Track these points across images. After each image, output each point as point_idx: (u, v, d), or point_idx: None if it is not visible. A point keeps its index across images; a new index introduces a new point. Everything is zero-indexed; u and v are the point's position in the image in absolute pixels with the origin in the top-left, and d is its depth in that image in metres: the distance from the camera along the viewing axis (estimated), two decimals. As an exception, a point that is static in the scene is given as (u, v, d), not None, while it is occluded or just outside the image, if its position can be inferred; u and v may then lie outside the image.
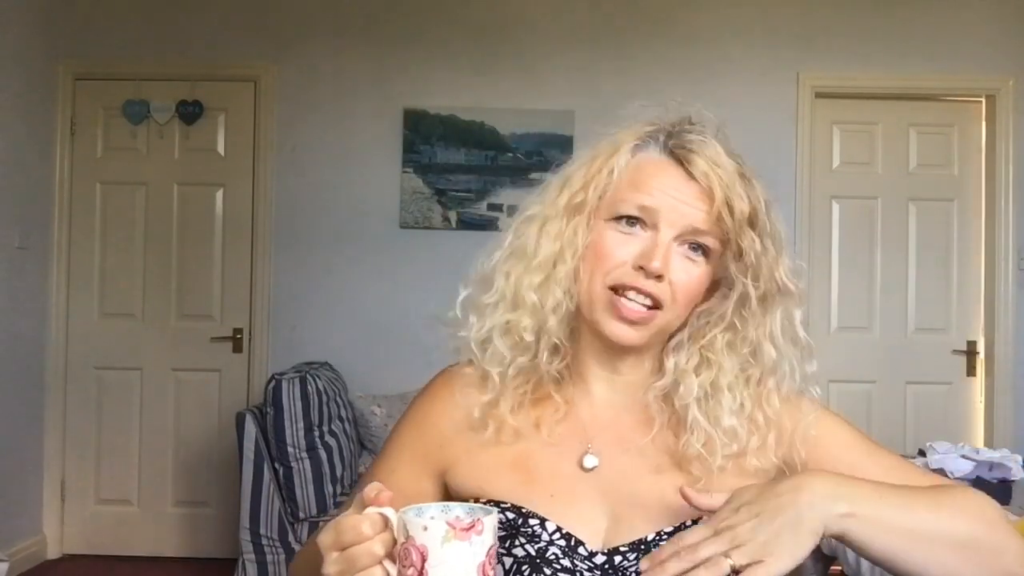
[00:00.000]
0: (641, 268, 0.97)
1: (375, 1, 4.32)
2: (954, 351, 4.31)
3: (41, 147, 4.16)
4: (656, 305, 0.98)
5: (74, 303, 4.28)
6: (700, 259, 0.99)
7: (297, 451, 3.37)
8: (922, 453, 3.28)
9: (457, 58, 4.27)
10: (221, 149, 4.31)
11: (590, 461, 1.02)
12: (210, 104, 4.27)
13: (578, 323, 1.05)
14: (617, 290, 0.99)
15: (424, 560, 0.74)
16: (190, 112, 4.26)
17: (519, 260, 1.03)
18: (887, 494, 0.89)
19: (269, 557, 3.39)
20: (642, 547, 0.96)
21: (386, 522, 0.79)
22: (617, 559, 0.96)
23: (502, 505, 0.99)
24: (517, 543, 0.97)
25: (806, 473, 0.91)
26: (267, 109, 4.25)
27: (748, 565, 0.81)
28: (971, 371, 4.30)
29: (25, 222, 4.01)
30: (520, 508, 0.99)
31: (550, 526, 0.97)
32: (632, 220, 0.99)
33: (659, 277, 0.97)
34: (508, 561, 0.96)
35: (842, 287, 4.35)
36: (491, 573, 0.75)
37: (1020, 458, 3.11)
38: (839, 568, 3.00)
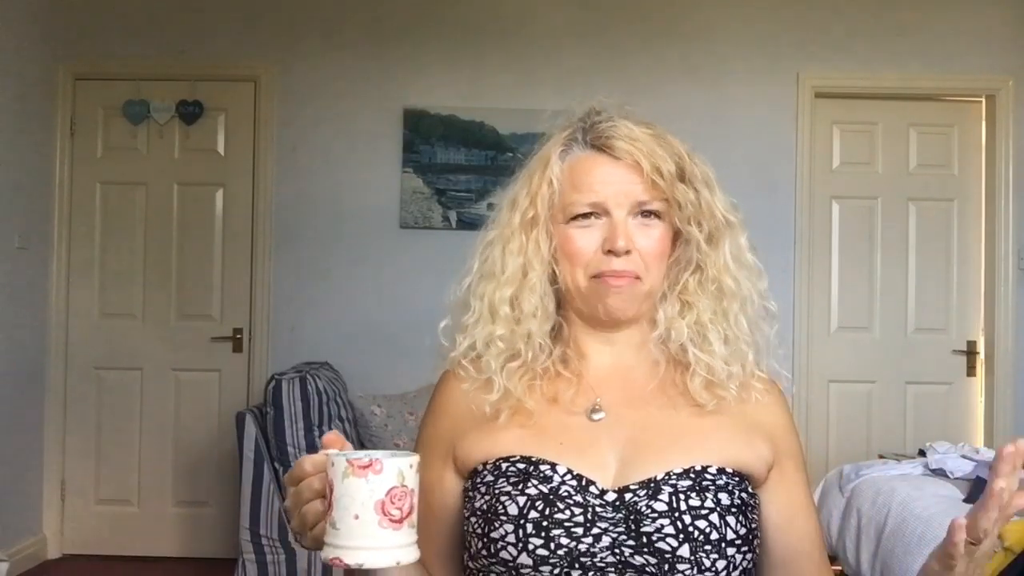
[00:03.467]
0: (609, 251, 1.08)
1: (375, 1, 4.32)
2: (954, 351, 4.31)
3: (41, 147, 4.16)
4: (635, 277, 1.09)
5: (74, 303, 4.28)
6: (655, 222, 1.10)
7: (297, 451, 3.37)
8: (922, 453, 3.28)
9: (457, 58, 4.27)
10: (221, 149, 4.31)
11: (597, 414, 1.09)
12: (210, 104, 4.27)
13: (566, 312, 1.15)
14: (599, 276, 1.09)
15: (331, 492, 0.82)
16: (190, 112, 4.26)
17: (489, 280, 1.13)
18: None
19: (269, 557, 3.39)
20: (651, 485, 1.01)
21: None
22: (628, 496, 1.01)
23: (511, 458, 1.04)
24: (530, 484, 1.01)
25: None
26: (267, 109, 4.26)
27: None
28: (971, 371, 4.30)
29: (25, 222, 4.01)
30: (530, 457, 1.04)
31: (561, 469, 1.02)
32: (586, 215, 1.10)
33: (628, 252, 1.07)
34: (522, 500, 1.00)
35: (842, 287, 4.34)
36: (395, 512, 0.81)
37: (1020, 458, 3.10)
38: (839, 568, 3.01)
